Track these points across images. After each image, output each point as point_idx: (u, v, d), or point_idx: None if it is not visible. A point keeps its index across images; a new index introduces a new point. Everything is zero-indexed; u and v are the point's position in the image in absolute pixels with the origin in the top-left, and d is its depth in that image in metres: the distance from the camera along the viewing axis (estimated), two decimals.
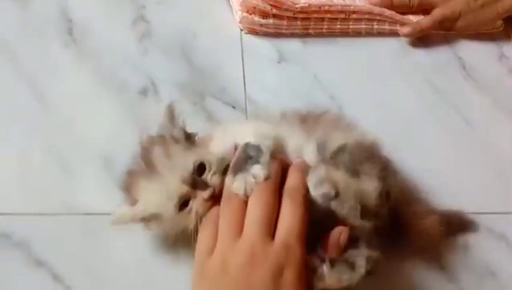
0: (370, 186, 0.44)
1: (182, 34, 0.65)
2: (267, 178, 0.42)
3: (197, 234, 0.43)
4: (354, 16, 0.67)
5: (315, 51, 0.66)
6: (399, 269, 0.50)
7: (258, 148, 0.44)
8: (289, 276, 0.39)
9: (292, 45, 0.66)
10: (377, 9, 0.68)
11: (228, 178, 0.43)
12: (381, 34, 0.69)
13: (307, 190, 0.43)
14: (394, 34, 0.69)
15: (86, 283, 0.45)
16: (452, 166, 0.58)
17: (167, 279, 0.47)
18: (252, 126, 0.48)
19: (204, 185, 0.43)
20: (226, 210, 0.42)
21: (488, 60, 0.70)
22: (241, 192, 0.42)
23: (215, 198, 0.44)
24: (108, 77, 0.59)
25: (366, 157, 0.46)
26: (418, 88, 0.65)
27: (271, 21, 0.65)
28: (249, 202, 0.42)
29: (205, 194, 0.43)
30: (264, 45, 0.66)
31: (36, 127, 0.54)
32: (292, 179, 0.43)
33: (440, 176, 0.56)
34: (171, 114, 0.46)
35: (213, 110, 0.58)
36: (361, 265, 0.42)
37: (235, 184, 0.42)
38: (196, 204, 0.43)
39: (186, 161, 0.44)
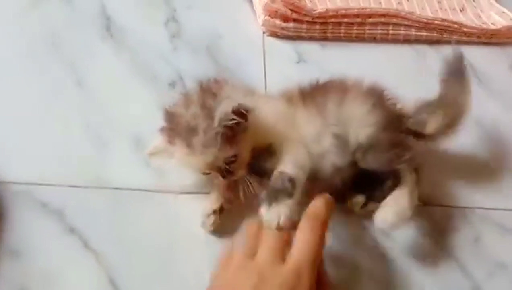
0: None
1: (209, 34, 0.69)
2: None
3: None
4: (370, 20, 0.70)
5: (332, 54, 0.70)
6: (412, 261, 0.52)
7: (292, 181, 0.45)
8: None
9: (311, 48, 0.70)
10: (393, 11, 0.70)
11: (263, 207, 0.44)
12: (395, 40, 0.72)
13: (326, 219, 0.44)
14: (408, 40, 0.73)
15: (114, 250, 0.49)
16: (467, 165, 0.60)
17: (194, 248, 0.50)
18: (291, 152, 0.48)
19: (230, 173, 0.47)
20: (249, 231, 0.44)
21: (499, 68, 0.73)
22: (273, 224, 0.43)
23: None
24: (141, 69, 0.63)
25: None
26: (431, 93, 0.68)
27: (291, 24, 0.69)
28: (264, 231, 0.43)
29: (221, 181, 0.48)
30: (284, 47, 0.70)
31: (75, 108, 0.59)
32: (315, 205, 0.44)
33: (456, 176, 0.59)
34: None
35: None
36: None
37: (267, 216, 0.44)
38: (217, 179, 0.48)
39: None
